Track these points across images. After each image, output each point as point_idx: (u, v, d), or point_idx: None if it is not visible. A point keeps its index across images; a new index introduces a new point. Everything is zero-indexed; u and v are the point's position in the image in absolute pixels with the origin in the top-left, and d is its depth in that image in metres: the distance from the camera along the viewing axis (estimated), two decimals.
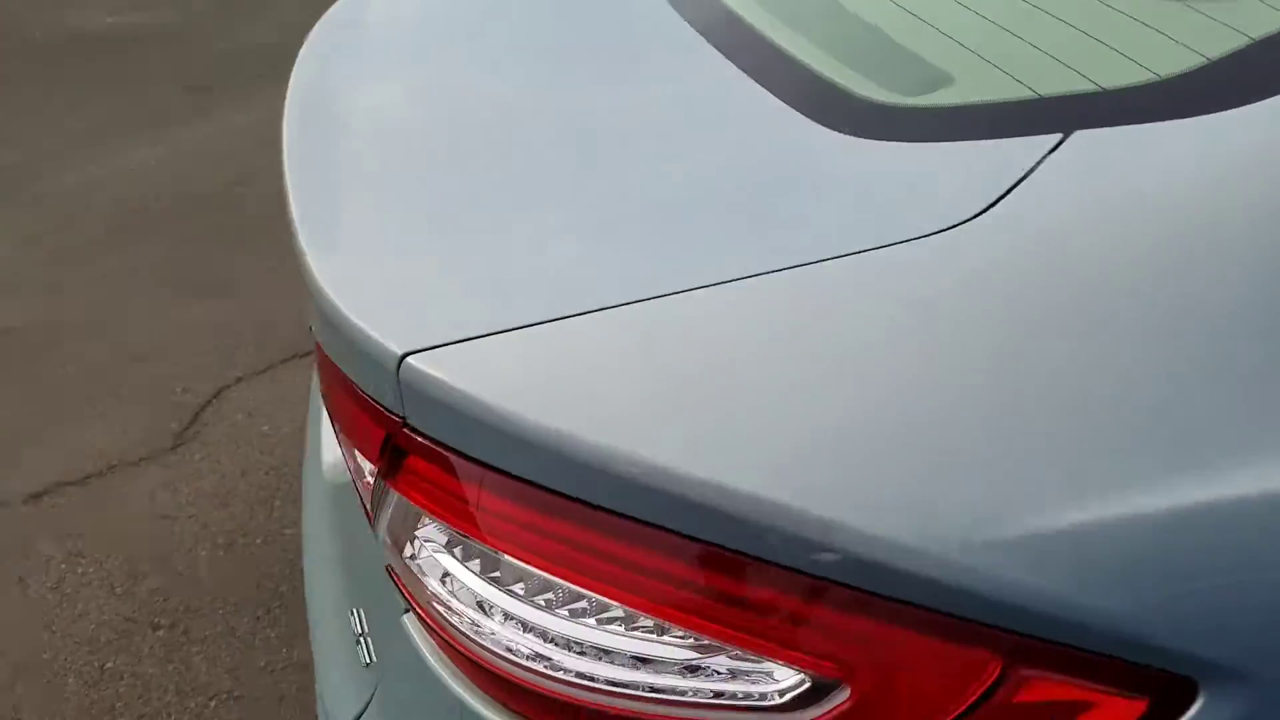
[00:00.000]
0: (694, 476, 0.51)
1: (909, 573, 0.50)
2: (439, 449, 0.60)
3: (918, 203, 0.61)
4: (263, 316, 2.58)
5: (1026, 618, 0.50)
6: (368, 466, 0.70)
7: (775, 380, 0.55)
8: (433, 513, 0.62)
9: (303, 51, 1.04)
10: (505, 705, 0.63)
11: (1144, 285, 0.54)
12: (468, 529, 0.61)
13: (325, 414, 1.16)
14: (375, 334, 0.62)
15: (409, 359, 0.59)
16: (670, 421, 0.54)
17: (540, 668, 0.60)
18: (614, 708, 0.58)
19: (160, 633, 1.78)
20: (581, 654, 0.58)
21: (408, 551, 0.67)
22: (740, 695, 0.55)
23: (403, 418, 0.62)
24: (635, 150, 0.75)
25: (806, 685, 0.54)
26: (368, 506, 0.73)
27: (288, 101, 0.93)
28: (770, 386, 0.55)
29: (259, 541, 1.97)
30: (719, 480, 0.51)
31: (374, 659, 0.80)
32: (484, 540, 0.60)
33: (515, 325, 0.58)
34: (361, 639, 0.82)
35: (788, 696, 0.55)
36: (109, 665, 1.72)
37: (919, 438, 0.52)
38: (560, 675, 0.59)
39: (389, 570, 0.71)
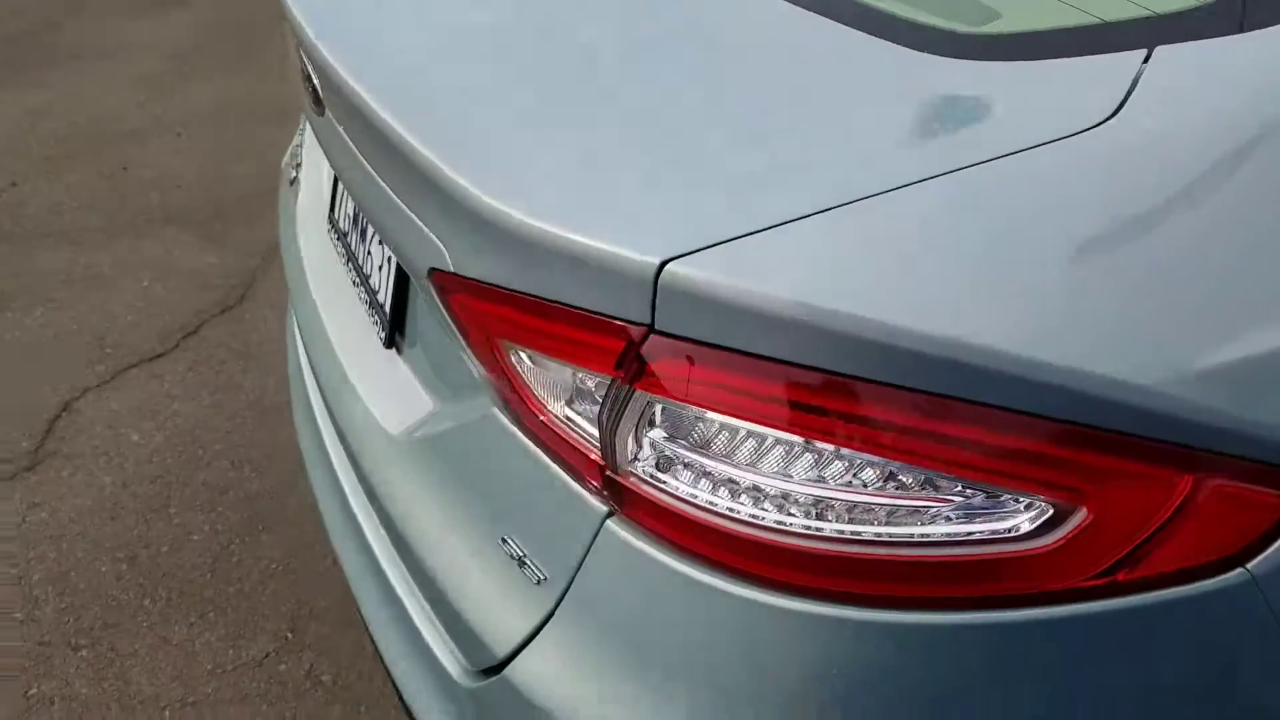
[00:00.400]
0: (960, 341, 0.62)
1: (1128, 405, 0.64)
2: (693, 344, 0.67)
3: (1055, 109, 0.74)
4: (93, 323, 2.39)
5: (1208, 434, 0.65)
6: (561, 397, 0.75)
7: (1007, 253, 0.67)
8: (688, 402, 0.68)
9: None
10: (758, 575, 0.71)
11: (1247, 166, 0.70)
12: (724, 410, 0.68)
13: (361, 378, 1.15)
14: (628, 250, 0.67)
15: (669, 266, 0.65)
16: (923, 293, 0.64)
17: (800, 529, 0.69)
18: (885, 556, 0.67)
19: (83, 652, 1.65)
20: (850, 515, 0.68)
21: (641, 452, 0.73)
22: (992, 533, 0.67)
23: (650, 324, 0.68)
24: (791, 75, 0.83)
25: (1050, 514, 0.66)
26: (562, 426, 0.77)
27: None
28: (1005, 259, 0.66)
29: (164, 550, 1.86)
30: (985, 343, 0.62)
31: (547, 575, 0.84)
32: (738, 417, 0.68)
33: (761, 227, 0.66)
34: (525, 560, 0.86)
35: (1037, 524, 0.66)
36: (33, 691, 1.58)
37: (1130, 296, 0.65)
38: (827, 533, 0.68)
39: (599, 471, 0.75)
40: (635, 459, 0.75)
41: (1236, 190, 0.69)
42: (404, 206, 0.91)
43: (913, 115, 0.78)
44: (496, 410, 0.89)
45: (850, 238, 0.67)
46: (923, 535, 0.68)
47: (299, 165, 1.59)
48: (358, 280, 1.26)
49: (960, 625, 0.68)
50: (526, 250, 0.75)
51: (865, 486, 0.68)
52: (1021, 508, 0.67)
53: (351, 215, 1.28)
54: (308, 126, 1.49)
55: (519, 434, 0.87)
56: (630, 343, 0.70)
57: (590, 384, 0.77)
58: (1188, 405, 0.64)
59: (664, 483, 0.73)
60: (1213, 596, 0.67)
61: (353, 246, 1.28)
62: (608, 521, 0.79)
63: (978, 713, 0.71)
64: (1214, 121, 0.71)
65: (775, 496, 0.70)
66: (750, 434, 0.69)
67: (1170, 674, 0.72)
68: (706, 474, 0.72)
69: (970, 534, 0.68)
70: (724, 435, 0.71)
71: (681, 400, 0.70)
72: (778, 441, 0.69)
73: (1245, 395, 0.65)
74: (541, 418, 0.82)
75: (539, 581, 0.86)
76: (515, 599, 0.88)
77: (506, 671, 0.89)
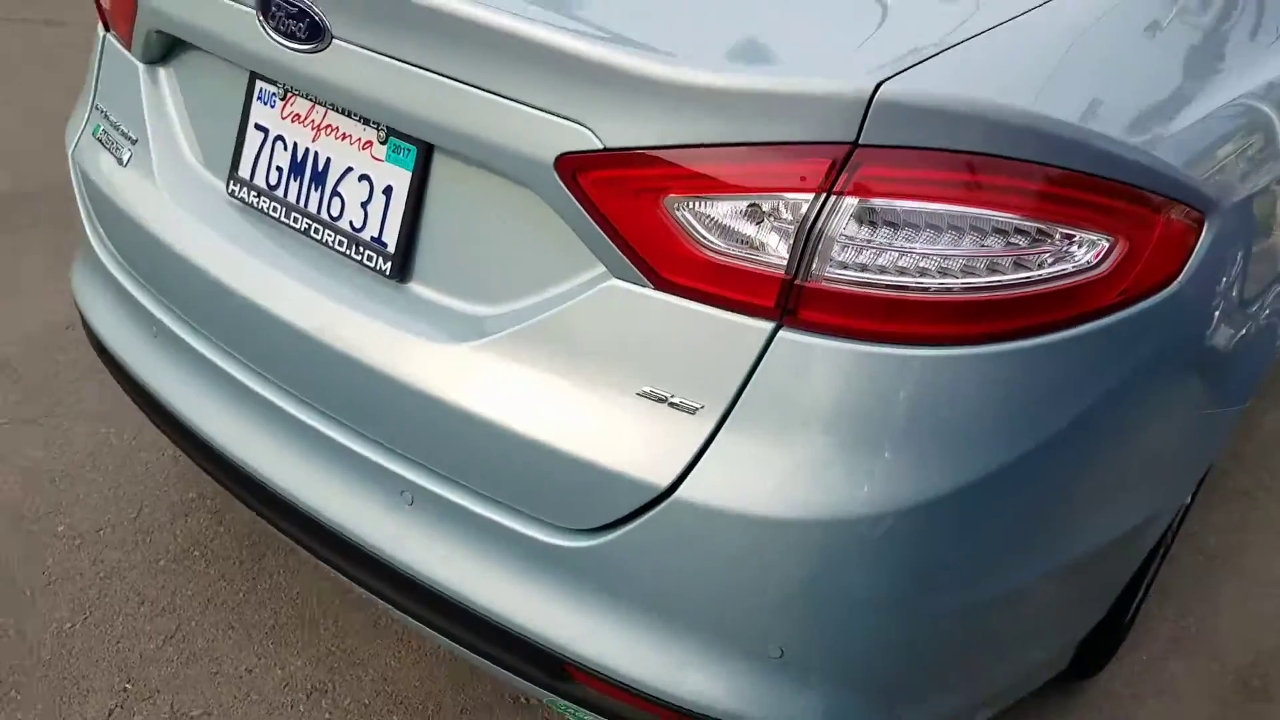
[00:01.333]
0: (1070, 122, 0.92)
1: (1138, 166, 0.98)
2: (894, 149, 0.89)
3: None
4: None
5: (1168, 184, 1.01)
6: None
7: (1080, 61, 0.98)
8: (897, 197, 0.90)
9: None
10: (927, 333, 0.93)
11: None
12: (914, 197, 0.90)
13: (349, 325, 1.16)
14: (838, 84, 0.88)
15: (883, 86, 0.87)
16: (1044, 89, 0.93)
17: (959, 286, 0.93)
18: (1018, 294, 0.94)
19: None
20: (991, 267, 0.93)
21: (832, 255, 0.93)
22: (1076, 267, 0.97)
23: (855, 141, 0.89)
24: None
25: (1105, 247, 0.97)
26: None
27: None
28: (1080, 64, 0.98)
29: None
30: (1075, 121, 0.93)
31: (702, 404, 0.99)
32: (934, 200, 0.91)
33: (944, 47, 0.91)
34: (672, 401, 0.99)
35: (1100, 256, 0.97)
36: None
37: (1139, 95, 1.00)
38: (978, 284, 0.93)
39: (774, 289, 0.94)
40: (832, 260, 0.93)
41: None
42: (517, 104, 1.00)
43: None
44: (618, 280, 1.01)
45: (1005, 52, 0.94)
46: (1040, 278, 0.95)
47: (133, 140, 1.48)
48: (314, 229, 1.25)
49: (1057, 342, 0.96)
50: (708, 105, 0.91)
51: (1005, 243, 0.93)
52: (1089, 249, 0.97)
53: (293, 161, 1.26)
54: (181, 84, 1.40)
55: (649, 292, 1.00)
56: (834, 161, 0.90)
57: (777, 205, 0.93)
58: (1162, 165, 1.00)
59: (858, 274, 0.92)
60: (1167, 300, 1.04)
61: (298, 195, 1.26)
62: (780, 333, 0.96)
63: (1072, 398, 1.00)
64: None
65: (941, 264, 0.93)
66: (926, 215, 0.91)
67: (1154, 352, 1.07)
68: (888, 260, 0.92)
69: (1072, 268, 0.96)
70: (905, 224, 0.92)
71: (885, 196, 0.90)
72: (949, 218, 0.92)
73: (1182, 159, 1.03)
74: (703, 258, 0.96)
75: (695, 410, 0.99)
76: (654, 434, 0.99)
77: (671, 502, 1.00)
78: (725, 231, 0.95)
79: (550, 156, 0.98)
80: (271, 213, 1.28)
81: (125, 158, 1.46)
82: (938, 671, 1.13)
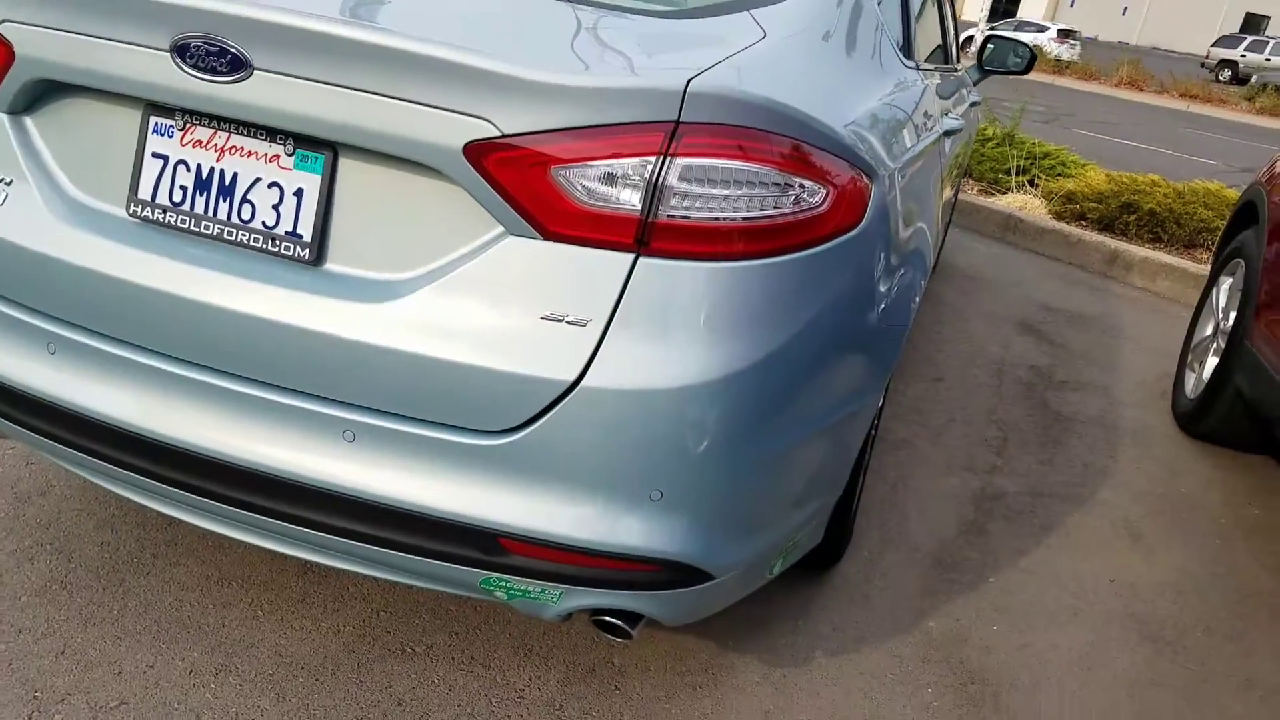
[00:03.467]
0: (801, 110, 1.45)
1: (836, 141, 1.53)
2: (702, 125, 1.36)
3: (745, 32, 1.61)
4: None
5: (853, 155, 1.57)
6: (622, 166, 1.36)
7: (802, 68, 1.51)
8: (708, 156, 1.36)
9: None
10: (742, 251, 1.42)
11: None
12: (727, 157, 1.38)
13: (272, 306, 1.45)
14: (663, 80, 1.34)
15: (693, 81, 1.34)
16: (786, 87, 1.45)
17: (755, 216, 1.43)
18: (780, 221, 1.45)
19: None
20: (763, 204, 1.43)
21: (671, 198, 1.38)
22: (811, 205, 1.49)
23: (678, 119, 1.35)
24: None
25: (825, 192, 1.50)
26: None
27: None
28: (803, 71, 1.50)
29: None
30: (803, 109, 1.46)
31: (589, 318, 1.39)
32: (732, 159, 1.39)
33: (723, 58, 1.40)
34: (564, 319, 1.39)
35: (820, 198, 1.50)
36: None
37: (839, 97, 1.55)
38: (764, 215, 1.43)
39: (634, 226, 1.38)
40: (669, 204, 1.36)
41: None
42: (431, 108, 1.36)
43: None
44: (515, 237, 1.40)
45: (762, 63, 1.44)
46: (789, 213, 1.44)
47: (7, 182, 1.64)
48: (224, 233, 1.50)
49: (797, 259, 1.46)
50: (578, 99, 1.33)
51: (771, 188, 1.42)
52: (816, 194, 1.48)
53: (199, 180, 1.51)
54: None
55: (540, 243, 1.39)
56: (668, 132, 1.34)
57: (628, 170, 1.35)
58: (848, 142, 1.55)
59: (688, 209, 1.37)
60: (858, 235, 1.58)
61: (206, 207, 1.51)
62: (639, 260, 1.38)
63: (820, 295, 1.50)
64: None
65: (736, 203, 1.39)
66: (725, 170, 1.37)
67: (855, 271, 1.60)
68: (704, 201, 1.38)
69: (806, 207, 1.46)
70: (718, 174, 1.37)
71: (701, 156, 1.35)
72: (739, 171, 1.38)
73: (856, 138, 1.59)
74: (580, 211, 1.36)
75: (586, 323, 1.39)
76: (556, 347, 1.38)
77: (576, 392, 1.38)
78: (594, 192, 1.37)
79: (460, 145, 1.35)
80: (179, 225, 1.51)
81: (0, 199, 1.62)
82: (761, 508, 1.58)
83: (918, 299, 1.99)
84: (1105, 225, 6.00)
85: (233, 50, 1.39)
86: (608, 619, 1.58)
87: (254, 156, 1.49)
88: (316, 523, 1.50)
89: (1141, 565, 2.59)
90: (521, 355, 1.38)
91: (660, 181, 1.35)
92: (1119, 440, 3.33)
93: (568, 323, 1.38)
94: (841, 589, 2.28)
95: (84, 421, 1.58)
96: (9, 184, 1.62)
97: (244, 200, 1.49)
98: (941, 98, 2.68)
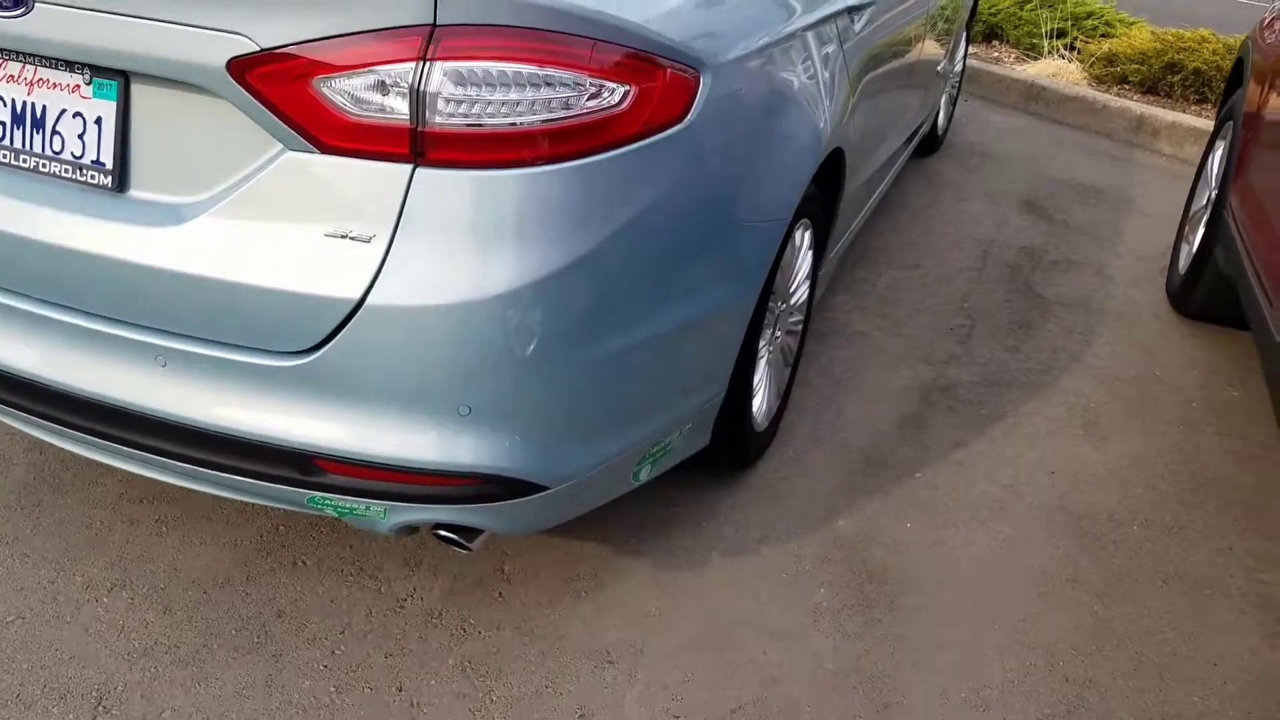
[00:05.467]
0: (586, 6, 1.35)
1: (648, 38, 1.43)
2: (460, 27, 1.28)
3: None
4: None
5: (670, 50, 1.48)
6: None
7: None
8: (475, 59, 1.29)
9: None
10: (518, 158, 1.35)
11: None
12: (500, 60, 1.30)
13: (84, 233, 1.44)
14: None
15: None
16: None
17: (532, 123, 1.35)
18: (554, 127, 1.37)
19: None
20: (550, 107, 1.35)
21: (439, 106, 1.31)
22: (606, 105, 1.40)
23: (433, 23, 1.28)
24: None
25: (623, 91, 1.40)
26: None
27: None
28: None
29: None
30: (599, 6, 1.36)
31: (373, 234, 1.35)
32: (507, 61, 1.30)
33: None
34: (348, 236, 1.35)
35: (619, 98, 1.41)
36: None
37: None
38: (537, 122, 1.35)
39: (407, 137, 1.32)
40: (437, 111, 1.31)
41: None
42: (189, 27, 1.32)
43: None
44: (293, 152, 1.36)
45: None
46: (577, 112, 1.37)
47: None
48: (39, 166, 1.50)
49: (596, 162, 1.39)
50: (330, 7, 1.27)
51: (556, 90, 1.35)
52: (613, 94, 1.40)
53: (13, 114, 1.51)
54: None
55: (316, 156, 1.35)
56: (425, 36, 1.28)
57: (388, 77, 1.30)
58: (656, 35, 1.45)
59: (459, 117, 1.31)
60: (683, 131, 1.50)
61: (21, 141, 1.51)
62: (417, 171, 1.34)
63: (629, 198, 1.43)
64: None
65: (518, 107, 1.33)
66: (500, 73, 1.31)
67: (683, 167, 1.52)
68: (480, 107, 1.31)
69: (599, 107, 1.39)
70: (484, 77, 1.31)
71: (465, 60, 1.29)
72: (517, 74, 1.32)
73: (674, 30, 1.49)
74: (349, 122, 1.32)
75: (369, 239, 1.36)
76: (340, 264, 1.35)
77: (363, 310, 1.36)
78: (362, 101, 1.32)
79: (222, 62, 1.31)
80: (0, 160, 1.52)
81: None
82: (589, 416, 1.55)
83: (797, 190, 1.89)
84: (1149, 88, 5.63)
85: None
86: (444, 533, 1.59)
87: (59, 88, 1.48)
88: (145, 445, 1.53)
89: (1090, 454, 2.50)
90: (308, 274, 1.37)
91: (422, 88, 1.29)
92: (1100, 322, 3.17)
93: (351, 238, 1.36)
94: (756, 489, 2.25)
95: None
96: None
97: (54, 132, 1.49)
98: None
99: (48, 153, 1.50)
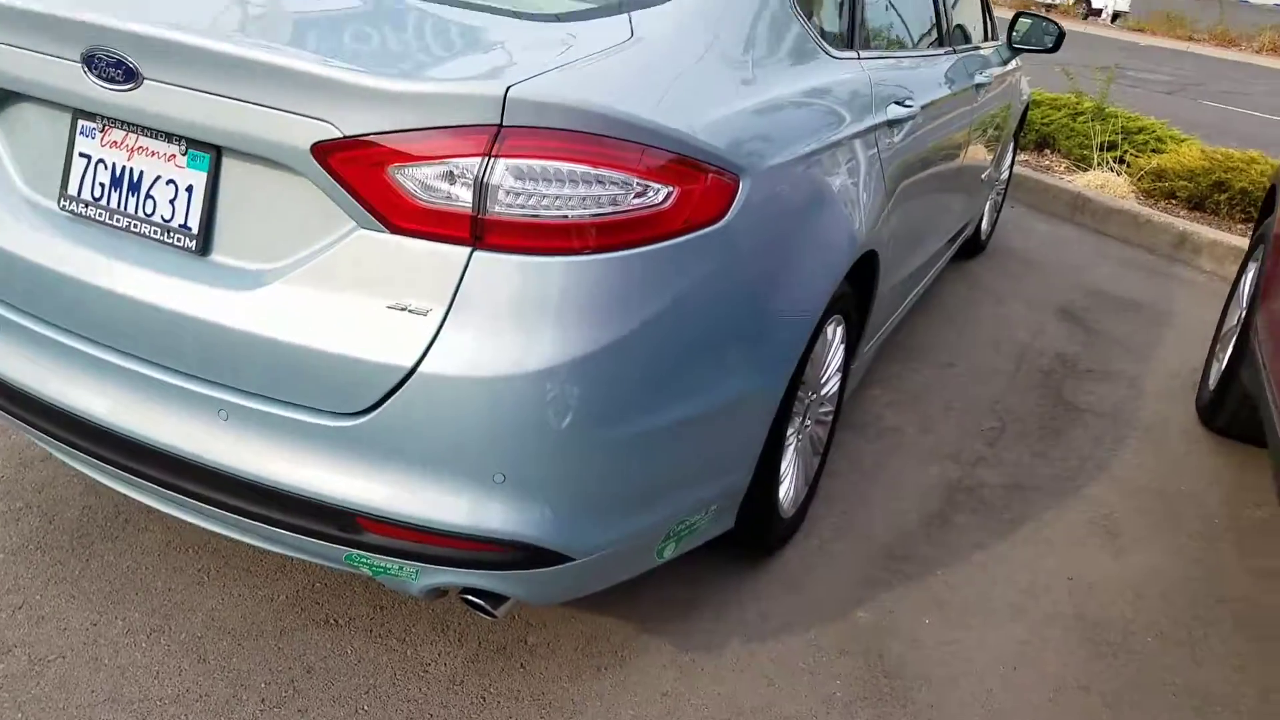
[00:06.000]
0: (650, 120, 1.48)
1: (684, 143, 1.55)
2: (525, 129, 1.41)
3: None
4: None
5: (710, 157, 1.59)
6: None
7: (645, 76, 1.54)
8: (534, 158, 1.41)
9: None
10: (578, 247, 1.46)
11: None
12: (557, 159, 1.42)
13: (167, 293, 1.57)
14: (486, 87, 1.40)
15: (511, 89, 1.39)
16: (622, 94, 1.49)
17: (584, 215, 1.47)
18: (621, 218, 1.48)
19: None
20: (600, 200, 1.47)
21: (500, 196, 1.43)
22: (650, 203, 1.51)
23: (500, 123, 1.40)
24: None
25: (667, 192, 1.53)
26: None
27: None
28: (645, 78, 1.53)
29: None
30: (651, 116, 1.48)
31: (430, 308, 1.46)
32: (562, 160, 1.43)
33: (552, 67, 1.44)
34: (408, 308, 1.47)
35: (663, 197, 1.52)
36: None
37: (695, 102, 1.57)
38: (596, 212, 1.47)
39: (467, 222, 1.44)
40: (497, 201, 1.43)
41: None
42: (281, 111, 1.45)
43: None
44: (364, 230, 1.48)
45: (594, 73, 1.48)
46: (624, 208, 1.48)
47: None
48: (132, 226, 1.64)
49: (638, 254, 1.49)
50: (410, 104, 1.40)
51: (606, 188, 1.46)
52: (658, 194, 1.51)
53: (113, 176, 1.65)
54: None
55: (385, 235, 1.47)
56: (492, 135, 1.40)
57: (456, 169, 1.42)
58: (700, 143, 1.57)
59: (517, 207, 1.43)
60: (721, 229, 1.60)
61: (119, 202, 1.65)
62: (475, 254, 1.45)
63: (668, 288, 1.53)
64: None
65: (569, 201, 1.44)
66: (554, 170, 1.43)
67: (720, 262, 1.62)
68: (536, 200, 1.43)
69: (644, 205, 1.50)
70: (541, 173, 1.43)
71: (526, 158, 1.41)
72: (571, 172, 1.43)
73: (717, 139, 1.61)
74: (417, 207, 1.44)
75: (426, 313, 1.46)
76: (398, 335, 1.46)
77: (415, 378, 1.46)
78: (431, 189, 1.44)
79: (307, 145, 1.44)
80: (98, 218, 1.66)
81: None
82: (615, 492, 1.63)
83: (829, 288, 1.98)
84: (1196, 204, 5.72)
85: (126, 61, 1.52)
86: (472, 598, 1.66)
87: (156, 156, 1.62)
88: (199, 494, 1.63)
89: (1109, 564, 2.51)
90: (367, 342, 1.48)
91: (486, 180, 1.41)
92: (1129, 433, 3.20)
93: (410, 311, 1.46)
94: (779, 576, 2.29)
95: (17, 393, 1.75)
96: None
97: (148, 195, 1.63)
98: (925, 80, 2.64)
99: (140, 214, 1.63)
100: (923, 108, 2.53)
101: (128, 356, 1.64)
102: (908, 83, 2.50)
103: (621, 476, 1.62)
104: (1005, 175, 4.83)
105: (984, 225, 4.55)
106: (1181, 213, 5.63)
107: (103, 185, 1.66)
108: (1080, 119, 6.72)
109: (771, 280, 1.78)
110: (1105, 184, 5.88)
